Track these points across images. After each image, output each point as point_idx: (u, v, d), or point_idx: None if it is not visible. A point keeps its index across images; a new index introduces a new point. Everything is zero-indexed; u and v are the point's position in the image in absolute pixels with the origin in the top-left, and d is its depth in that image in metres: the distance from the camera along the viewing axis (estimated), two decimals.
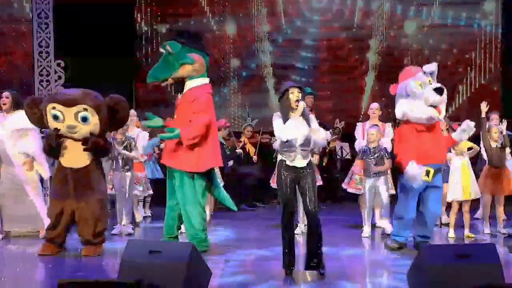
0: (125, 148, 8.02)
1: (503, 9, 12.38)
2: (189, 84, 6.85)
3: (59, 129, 6.56)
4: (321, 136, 5.81)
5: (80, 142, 6.59)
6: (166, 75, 6.80)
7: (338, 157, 10.70)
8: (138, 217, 9.10)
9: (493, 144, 7.89)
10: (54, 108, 6.53)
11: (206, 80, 6.94)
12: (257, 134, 11.07)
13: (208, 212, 8.31)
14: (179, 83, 6.91)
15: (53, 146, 6.63)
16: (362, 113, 12.29)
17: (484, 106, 7.82)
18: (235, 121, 12.60)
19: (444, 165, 7.41)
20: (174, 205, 6.94)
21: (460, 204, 7.81)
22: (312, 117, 5.85)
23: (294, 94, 5.63)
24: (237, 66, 12.84)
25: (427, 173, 6.68)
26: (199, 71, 6.86)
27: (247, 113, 11.82)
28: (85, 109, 6.51)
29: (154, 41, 12.66)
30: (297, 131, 5.58)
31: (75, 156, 6.64)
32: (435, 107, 6.73)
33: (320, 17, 12.71)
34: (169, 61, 6.76)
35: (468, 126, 7.04)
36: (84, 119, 6.53)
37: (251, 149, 11.12)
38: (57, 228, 6.74)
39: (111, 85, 10.06)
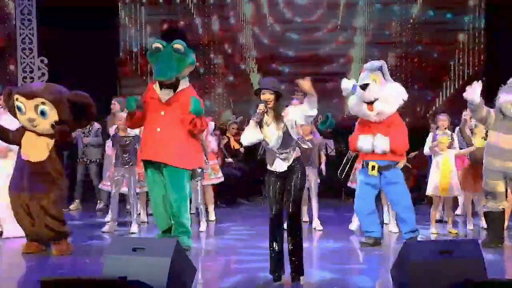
0: (127, 146, 7.68)
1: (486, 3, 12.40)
2: (182, 84, 6.70)
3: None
4: (306, 109, 5.19)
5: (42, 136, 6.53)
6: (173, 74, 6.57)
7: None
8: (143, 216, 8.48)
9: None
10: (17, 99, 6.53)
11: (188, 81, 6.84)
12: (242, 132, 11.01)
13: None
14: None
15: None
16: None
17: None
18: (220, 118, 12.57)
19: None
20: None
21: (443, 200, 7.83)
22: (290, 109, 5.38)
23: (264, 96, 5.32)
24: (222, 63, 12.81)
25: (372, 167, 6.95)
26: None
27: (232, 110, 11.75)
28: (43, 103, 6.45)
29: (138, 39, 12.60)
30: (266, 134, 5.41)
31: (34, 149, 6.55)
32: (370, 103, 6.82)
33: (304, 18, 12.69)
34: (176, 60, 6.55)
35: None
36: (43, 113, 6.47)
37: (236, 146, 11.12)
38: (26, 224, 6.62)
39: (95, 80, 10.05)
